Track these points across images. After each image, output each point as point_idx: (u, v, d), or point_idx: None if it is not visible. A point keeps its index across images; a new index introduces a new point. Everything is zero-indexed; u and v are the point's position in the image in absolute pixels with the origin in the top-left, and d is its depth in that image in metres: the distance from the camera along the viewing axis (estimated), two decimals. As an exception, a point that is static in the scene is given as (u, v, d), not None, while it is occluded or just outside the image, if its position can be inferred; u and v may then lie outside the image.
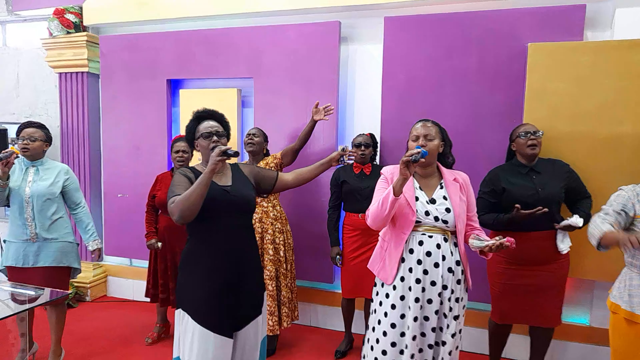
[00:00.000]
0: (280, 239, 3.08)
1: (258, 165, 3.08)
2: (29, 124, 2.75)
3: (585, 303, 3.05)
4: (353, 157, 2.18)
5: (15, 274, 2.75)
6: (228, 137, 2.09)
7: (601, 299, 2.94)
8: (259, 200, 3.07)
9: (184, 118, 3.75)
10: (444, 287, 2.02)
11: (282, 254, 3.08)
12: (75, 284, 4.10)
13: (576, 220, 2.40)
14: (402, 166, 1.88)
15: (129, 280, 4.23)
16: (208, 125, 2.01)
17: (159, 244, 3.19)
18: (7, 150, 2.55)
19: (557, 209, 2.57)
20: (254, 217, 3.06)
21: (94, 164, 4.20)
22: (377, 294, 2.16)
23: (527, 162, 2.61)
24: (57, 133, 4.30)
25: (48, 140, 2.81)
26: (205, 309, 1.89)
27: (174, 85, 3.99)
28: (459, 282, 2.06)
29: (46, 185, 2.74)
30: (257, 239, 3.02)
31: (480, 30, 3.04)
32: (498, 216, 2.54)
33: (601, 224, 1.92)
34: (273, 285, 3.03)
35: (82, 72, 4.09)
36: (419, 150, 1.90)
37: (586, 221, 2.40)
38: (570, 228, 2.44)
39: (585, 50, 2.78)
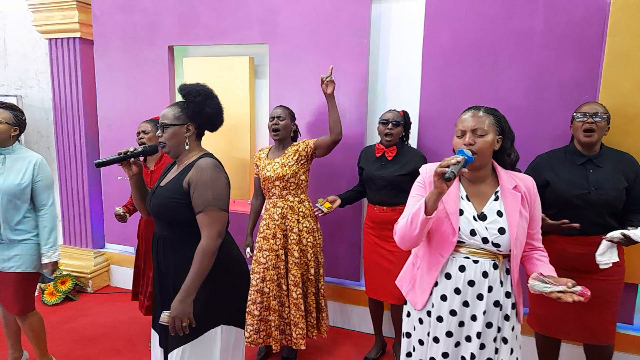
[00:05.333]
0: (309, 239, 2.62)
1: (285, 152, 2.61)
2: None
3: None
4: None
5: None
6: (203, 123, 1.83)
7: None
8: (284, 193, 2.60)
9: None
10: (488, 325, 1.57)
11: (309, 256, 2.63)
12: (75, 274, 3.75)
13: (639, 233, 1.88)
14: (435, 178, 1.40)
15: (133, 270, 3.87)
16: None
17: (120, 210, 2.69)
18: None
19: (614, 213, 2.07)
20: (276, 213, 2.60)
21: (90, 142, 3.75)
22: (409, 314, 1.74)
23: (585, 150, 2.10)
24: (50, 107, 3.87)
25: (18, 124, 2.34)
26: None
27: (177, 53, 3.48)
28: (507, 318, 1.59)
29: (16, 180, 2.29)
30: (281, 236, 2.59)
31: (548, -18, 2.47)
32: None
33: None
34: (298, 292, 2.58)
35: (74, 38, 3.60)
36: (459, 158, 1.39)
37: None
38: (629, 241, 1.91)
39: (687, 6, 2.22)
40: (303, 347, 2.61)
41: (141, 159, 2.91)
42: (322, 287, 2.72)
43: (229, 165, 3.22)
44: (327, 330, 2.74)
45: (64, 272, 3.69)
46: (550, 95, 2.54)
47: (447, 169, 1.37)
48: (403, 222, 1.57)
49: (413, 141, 2.81)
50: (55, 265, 2.43)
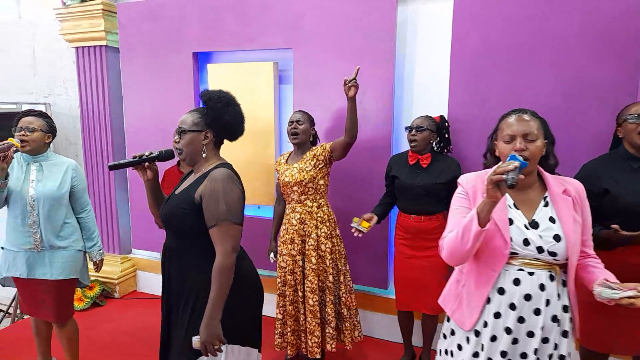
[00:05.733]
0: (327, 245, 2.57)
1: (304, 157, 2.58)
2: (28, 112, 2.32)
3: None
4: None
5: (20, 284, 2.40)
6: (222, 130, 1.75)
7: None
8: (302, 198, 2.57)
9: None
10: (544, 340, 1.48)
11: (328, 263, 2.57)
12: (102, 280, 3.79)
13: None
14: (490, 186, 1.32)
15: (159, 276, 3.88)
16: None
17: None
18: (4, 142, 2.07)
19: None
20: (295, 218, 2.57)
21: (118, 149, 3.79)
22: (453, 332, 1.65)
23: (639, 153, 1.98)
24: (78, 114, 3.93)
25: (50, 131, 2.37)
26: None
27: (202, 59, 3.49)
28: (565, 334, 1.50)
29: (54, 186, 2.32)
30: (299, 242, 2.56)
31: (584, -21, 2.37)
32: (594, 229, 1.92)
33: None
34: (314, 299, 2.54)
35: (101, 46, 3.64)
36: (516, 164, 1.31)
37: None
38: None
39: None
40: (318, 356, 2.57)
41: (169, 163, 2.92)
42: (344, 296, 2.65)
43: (253, 170, 3.21)
44: (351, 341, 2.66)
45: (92, 278, 3.73)
46: (587, 98, 2.44)
47: (507, 176, 1.29)
48: (452, 236, 1.49)
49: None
50: (102, 262, 2.56)
